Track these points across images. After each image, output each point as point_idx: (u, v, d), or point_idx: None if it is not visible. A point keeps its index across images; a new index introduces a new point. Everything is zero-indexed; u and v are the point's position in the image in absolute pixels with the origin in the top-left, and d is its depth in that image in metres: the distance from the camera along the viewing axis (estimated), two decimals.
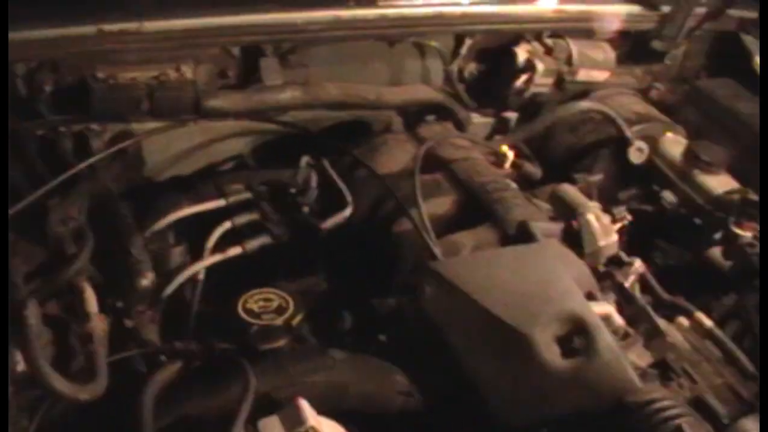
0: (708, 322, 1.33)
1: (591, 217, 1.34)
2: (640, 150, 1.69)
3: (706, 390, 1.20)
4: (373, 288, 1.33)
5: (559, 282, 1.19)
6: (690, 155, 1.67)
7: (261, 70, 1.47)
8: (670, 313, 1.35)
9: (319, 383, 1.14)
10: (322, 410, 1.11)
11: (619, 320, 1.19)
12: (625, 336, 1.20)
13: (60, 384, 1.08)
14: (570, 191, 1.43)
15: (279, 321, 1.17)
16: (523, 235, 1.31)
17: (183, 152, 1.60)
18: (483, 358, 1.14)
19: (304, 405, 1.08)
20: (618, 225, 1.41)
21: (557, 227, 1.34)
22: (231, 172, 1.60)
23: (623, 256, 1.38)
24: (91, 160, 1.27)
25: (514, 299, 1.15)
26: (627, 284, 1.33)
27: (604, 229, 1.35)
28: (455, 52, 1.68)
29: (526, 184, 1.61)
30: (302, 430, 1.04)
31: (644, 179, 1.72)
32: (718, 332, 1.32)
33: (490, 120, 1.78)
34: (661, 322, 1.29)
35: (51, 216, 1.21)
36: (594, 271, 1.31)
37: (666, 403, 1.07)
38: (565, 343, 1.11)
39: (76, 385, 1.08)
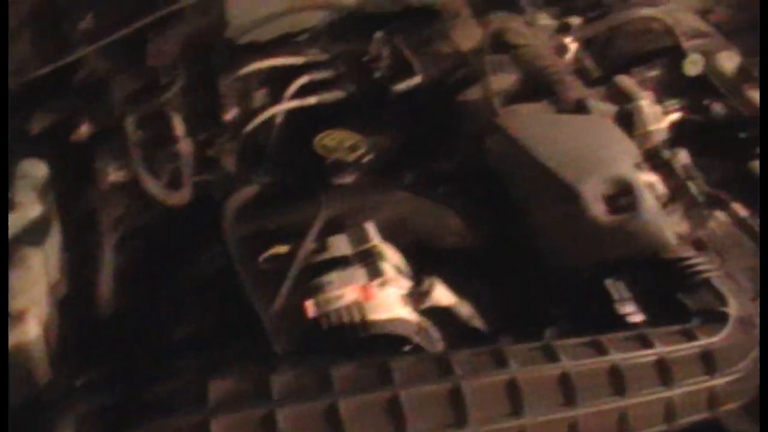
0: (744, 212, 1.43)
1: (643, 102, 1.43)
2: (694, 62, 1.76)
3: (734, 269, 1.30)
4: (436, 150, 1.43)
5: (610, 148, 1.29)
6: (743, 71, 1.74)
7: None
8: (709, 205, 1.46)
9: (382, 214, 1.25)
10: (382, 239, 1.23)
11: (662, 188, 1.29)
12: (666, 204, 1.30)
13: (155, 187, 1.21)
14: (626, 80, 1.51)
15: (352, 157, 1.28)
16: (579, 111, 1.41)
17: (265, 18, 1.69)
18: (537, 208, 1.25)
19: (371, 227, 1.20)
20: (668, 117, 1.51)
21: (612, 108, 1.43)
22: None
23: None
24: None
25: (568, 157, 1.25)
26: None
27: (655, 116, 1.44)
28: None
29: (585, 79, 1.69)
30: (368, 245, 1.17)
31: (696, 92, 1.79)
32: (752, 222, 1.41)
33: (553, 22, 1.85)
34: None
35: (148, 47, 1.32)
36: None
37: (697, 260, 1.17)
38: (611, 202, 1.22)
39: (167, 190, 1.21)
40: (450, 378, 0.91)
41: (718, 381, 1.02)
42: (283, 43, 1.60)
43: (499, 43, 1.60)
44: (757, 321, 1.11)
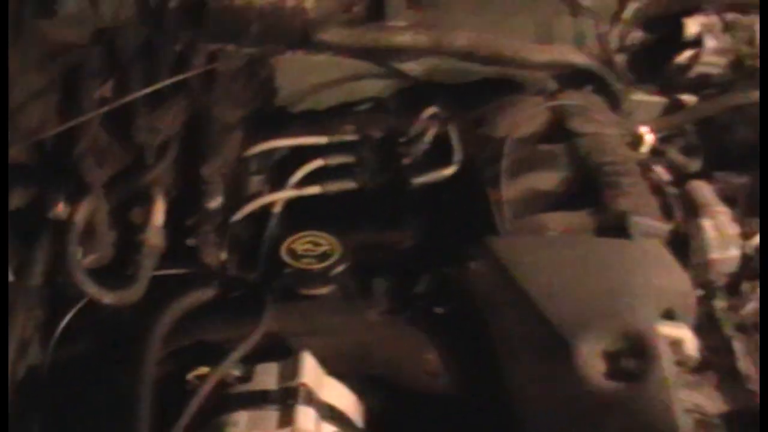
0: None
1: (707, 221, 1.12)
2: None
3: None
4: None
5: (631, 290, 1.01)
6: None
7: (385, 6, 1.39)
8: None
9: (343, 341, 1.07)
10: (340, 370, 1.05)
11: (692, 349, 0.99)
12: (698, 371, 1.00)
13: (87, 283, 1.10)
14: (700, 188, 1.21)
15: (317, 266, 1.11)
16: (619, 228, 1.13)
17: (316, 86, 1.56)
18: (519, 356, 1.01)
19: (308, 360, 1.02)
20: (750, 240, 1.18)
21: (665, 227, 1.14)
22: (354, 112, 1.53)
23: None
24: (185, 75, 1.27)
25: (569, 298, 1.00)
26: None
27: (723, 239, 1.13)
28: (616, 16, 1.47)
29: (676, 177, 1.39)
30: (293, 384, 0.99)
31: None
32: None
33: (660, 99, 1.55)
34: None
35: (137, 122, 1.23)
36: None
37: None
38: (615, 363, 0.95)
39: (104, 288, 1.10)
40: None
41: None
42: (313, 118, 1.46)
43: (561, 129, 1.35)
44: None
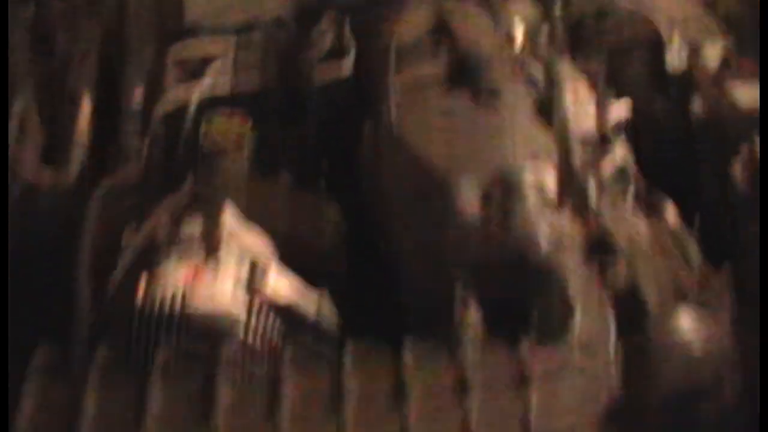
0: (673, 220, 1.31)
1: (569, 94, 1.32)
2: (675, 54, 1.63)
3: (641, 276, 1.18)
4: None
5: (501, 142, 1.20)
6: (726, 63, 1.60)
7: None
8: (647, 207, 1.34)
9: (248, 201, 1.21)
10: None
11: (551, 189, 1.18)
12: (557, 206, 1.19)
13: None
14: (561, 64, 1.41)
15: (233, 148, 1.26)
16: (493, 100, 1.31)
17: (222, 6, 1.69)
18: (404, 203, 1.18)
19: (228, 209, 1.17)
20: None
21: (530, 96, 1.33)
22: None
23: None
24: None
25: (448, 150, 1.18)
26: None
27: (580, 109, 1.34)
28: None
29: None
30: (216, 228, 1.14)
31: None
32: (680, 231, 1.29)
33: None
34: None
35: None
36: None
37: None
38: (487, 200, 1.14)
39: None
40: None
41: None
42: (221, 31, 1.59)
43: (444, 28, 1.53)
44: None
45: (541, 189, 1.17)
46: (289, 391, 0.90)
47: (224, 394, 0.88)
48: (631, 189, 1.37)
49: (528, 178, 1.16)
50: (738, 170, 1.48)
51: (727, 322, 1.09)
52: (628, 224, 1.27)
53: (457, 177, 1.13)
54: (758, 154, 1.44)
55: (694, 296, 1.16)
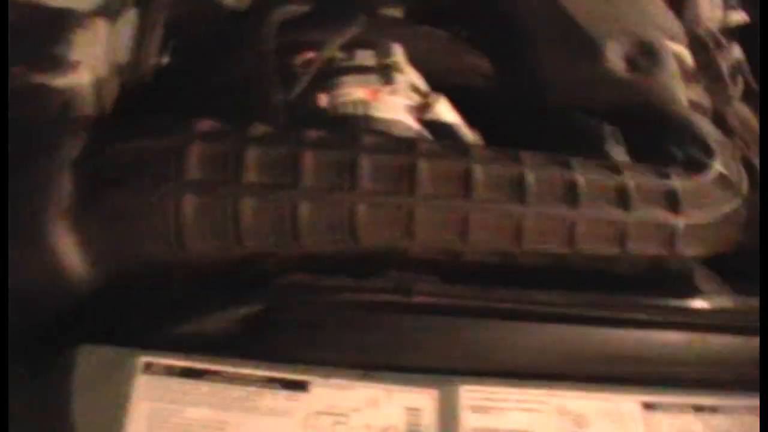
0: None
1: None
2: None
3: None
4: None
5: (644, 15, 1.33)
6: None
7: None
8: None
9: (408, 42, 1.35)
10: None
11: (690, 62, 1.31)
12: (692, 79, 1.32)
13: None
14: None
15: None
16: None
17: None
18: (557, 56, 1.31)
19: (397, 47, 1.30)
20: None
21: None
22: None
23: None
24: None
25: (598, 15, 1.31)
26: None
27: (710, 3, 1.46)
28: None
29: None
30: (389, 60, 1.27)
31: None
32: None
33: None
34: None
35: None
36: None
37: (700, 122, 1.20)
38: (632, 62, 1.27)
39: None
40: (465, 159, 1.01)
41: (679, 220, 1.06)
42: None
43: None
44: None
45: (681, 61, 1.30)
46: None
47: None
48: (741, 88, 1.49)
49: (670, 48, 1.28)
50: None
51: None
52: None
53: (609, 40, 1.26)
54: None
55: None
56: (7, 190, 0.95)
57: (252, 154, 0.97)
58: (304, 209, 0.96)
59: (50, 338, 0.90)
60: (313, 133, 1.01)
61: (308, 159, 0.97)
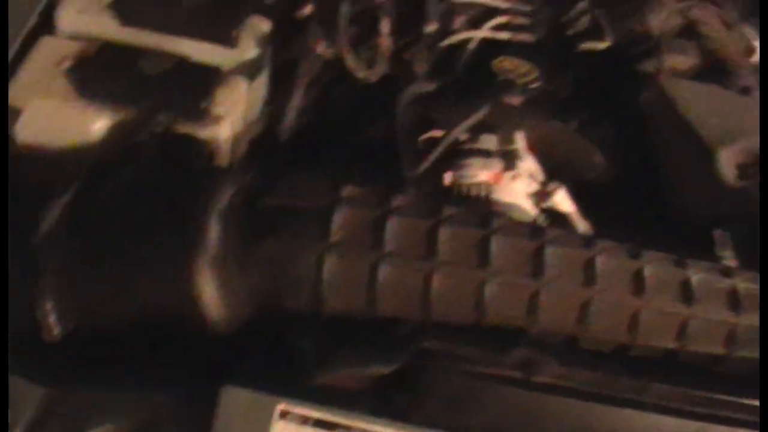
0: None
1: None
2: None
3: None
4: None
5: (754, 124, 1.39)
6: None
7: None
8: None
9: (533, 131, 1.41)
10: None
11: None
12: None
13: (353, 60, 1.43)
14: None
15: (522, 81, 1.46)
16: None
17: None
18: (676, 162, 1.39)
19: (519, 135, 1.37)
20: None
21: None
22: None
23: None
24: None
25: (714, 124, 1.37)
26: None
27: None
28: None
29: None
30: (511, 147, 1.34)
31: None
32: None
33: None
34: None
35: None
36: None
37: None
38: (742, 169, 1.32)
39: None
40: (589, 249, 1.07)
41: None
42: None
43: (690, 31, 1.72)
44: None
45: None
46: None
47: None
48: None
49: None
50: None
51: None
52: None
53: (723, 149, 1.32)
54: None
55: None
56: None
57: (392, 224, 1.04)
58: (437, 281, 1.02)
59: (197, 374, 0.97)
60: (448, 210, 1.08)
61: (444, 234, 1.04)
